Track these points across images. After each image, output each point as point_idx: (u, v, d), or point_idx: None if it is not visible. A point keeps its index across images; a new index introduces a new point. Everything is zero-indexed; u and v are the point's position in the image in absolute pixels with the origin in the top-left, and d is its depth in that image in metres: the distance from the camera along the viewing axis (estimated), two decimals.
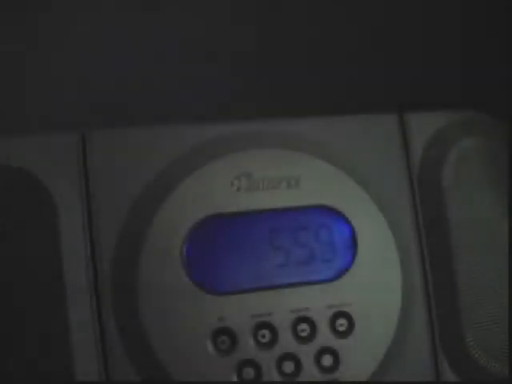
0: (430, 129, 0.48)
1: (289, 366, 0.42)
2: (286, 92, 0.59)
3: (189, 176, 0.43)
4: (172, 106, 0.57)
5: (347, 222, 0.44)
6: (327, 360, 0.43)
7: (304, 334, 0.43)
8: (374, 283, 0.44)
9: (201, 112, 0.55)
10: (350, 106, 0.50)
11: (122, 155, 0.43)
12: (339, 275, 0.44)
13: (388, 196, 0.46)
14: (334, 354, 0.43)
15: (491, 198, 0.46)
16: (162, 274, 0.41)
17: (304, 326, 0.43)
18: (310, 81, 0.59)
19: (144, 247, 0.41)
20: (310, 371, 0.42)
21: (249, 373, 0.42)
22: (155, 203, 0.42)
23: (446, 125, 0.48)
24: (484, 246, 0.46)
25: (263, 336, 0.42)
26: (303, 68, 0.60)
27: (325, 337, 0.43)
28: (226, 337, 0.42)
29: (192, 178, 0.43)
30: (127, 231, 0.42)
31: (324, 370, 0.43)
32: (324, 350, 0.43)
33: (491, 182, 0.47)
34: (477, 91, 0.56)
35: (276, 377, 0.42)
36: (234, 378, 0.41)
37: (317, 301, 0.43)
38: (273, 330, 0.42)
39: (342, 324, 0.43)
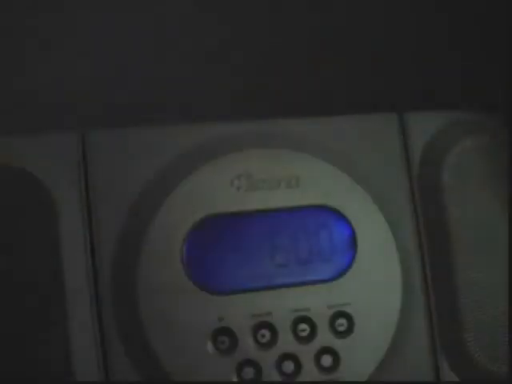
0: (430, 129, 0.48)
1: (289, 366, 0.42)
2: (286, 92, 0.59)
3: (189, 176, 0.43)
4: (172, 106, 0.57)
5: (347, 222, 0.44)
6: (327, 360, 0.43)
7: (304, 334, 0.43)
8: (374, 283, 0.44)
9: (201, 112, 0.55)
10: (350, 106, 0.50)
11: (121, 155, 0.43)
12: (339, 275, 0.44)
13: (388, 196, 0.46)
14: (334, 354, 0.43)
15: (491, 197, 0.46)
16: (162, 274, 0.41)
17: (304, 325, 0.43)
18: (310, 81, 0.59)
19: (144, 247, 0.41)
20: (309, 371, 0.42)
21: (249, 373, 0.42)
22: (155, 203, 0.42)
23: (445, 125, 0.48)
24: (484, 246, 0.46)
25: (263, 336, 0.42)
26: (303, 68, 0.60)
27: (325, 337, 0.43)
28: (225, 337, 0.42)
29: (192, 178, 0.43)
30: (127, 231, 0.42)
31: (324, 369, 0.43)
32: (324, 350, 0.43)
33: (491, 182, 0.47)
34: (477, 91, 0.56)
35: (276, 377, 0.42)
36: (234, 378, 0.41)
37: (317, 301, 0.43)
38: (273, 329, 0.42)
39: (341, 324, 0.43)
